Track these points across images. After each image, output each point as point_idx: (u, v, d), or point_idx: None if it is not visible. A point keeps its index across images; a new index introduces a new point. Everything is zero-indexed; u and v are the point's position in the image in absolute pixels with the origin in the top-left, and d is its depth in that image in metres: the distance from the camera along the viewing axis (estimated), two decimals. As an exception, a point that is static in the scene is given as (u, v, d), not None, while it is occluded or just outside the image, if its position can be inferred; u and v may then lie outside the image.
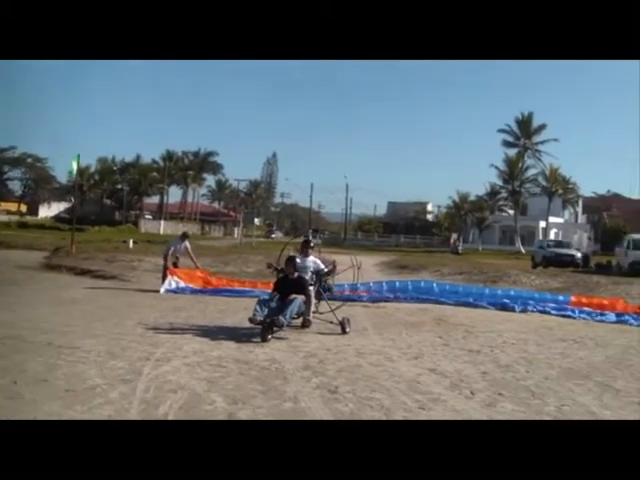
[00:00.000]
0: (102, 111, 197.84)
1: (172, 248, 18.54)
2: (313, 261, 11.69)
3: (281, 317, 9.95)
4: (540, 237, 65.08)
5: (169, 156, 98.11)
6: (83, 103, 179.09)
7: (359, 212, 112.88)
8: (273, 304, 10.31)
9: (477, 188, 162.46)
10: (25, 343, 9.04)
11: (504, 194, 78.61)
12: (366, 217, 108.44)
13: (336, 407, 6.30)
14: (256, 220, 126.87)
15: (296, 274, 10.95)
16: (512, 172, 73.93)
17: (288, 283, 10.85)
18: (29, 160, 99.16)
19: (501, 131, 75.86)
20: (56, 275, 22.00)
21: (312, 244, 12.43)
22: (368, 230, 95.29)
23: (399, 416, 5.99)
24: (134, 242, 35.04)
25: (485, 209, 78.84)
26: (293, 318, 10.52)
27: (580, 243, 67.94)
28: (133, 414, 5.70)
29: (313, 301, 11.01)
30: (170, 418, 5.61)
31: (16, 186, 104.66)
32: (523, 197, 76.96)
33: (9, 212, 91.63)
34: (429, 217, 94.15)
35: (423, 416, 6.07)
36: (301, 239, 15.16)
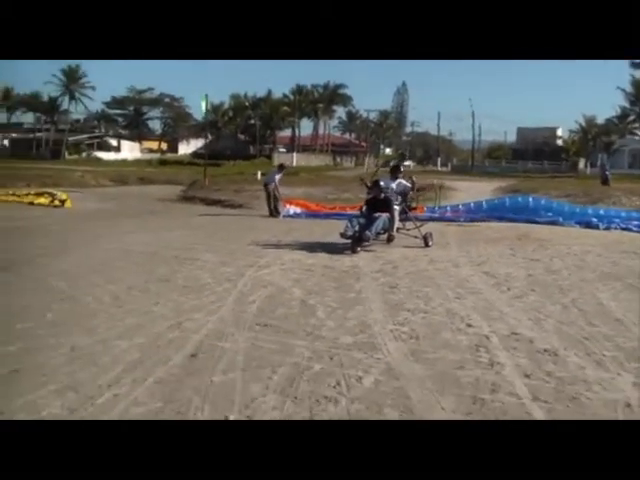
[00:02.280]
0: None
1: (275, 178, 20.61)
2: (398, 183, 13.17)
3: (367, 232, 11.62)
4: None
5: (299, 90, 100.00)
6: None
7: (490, 139, 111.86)
8: (362, 221, 11.96)
9: (606, 111, 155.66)
10: (157, 256, 11.15)
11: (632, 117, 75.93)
12: (495, 144, 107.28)
13: (389, 297, 7.97)
14: (387, 149, 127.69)
15: (382, 195, 12.51)
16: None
17: (375, 203, 12.46)
18: (167, 100, 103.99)
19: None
20: (190, 205, 24.48)
21: (402, 169, 13.91)
22: (496, 157, 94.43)
23: (435, 304, 7.60)
24: (262, 174, 37.28)
25: (614, 132, 76.48)
26: (379, 233, 12.12)
27: None
28: (230, 301, 7.59)
29: (397, 218, 12.52)
30: (256, 305, 7.47)
31: (156, 125, 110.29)
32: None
33: (151, 150, 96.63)
34: (559, 142, 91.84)
35: (454, 303, 7.65)
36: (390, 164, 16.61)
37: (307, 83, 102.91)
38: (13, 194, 23.34)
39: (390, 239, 12.41)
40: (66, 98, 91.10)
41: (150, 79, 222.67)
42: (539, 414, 4.39)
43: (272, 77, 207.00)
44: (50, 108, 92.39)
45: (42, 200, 21.97)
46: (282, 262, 10.43)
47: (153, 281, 8.85)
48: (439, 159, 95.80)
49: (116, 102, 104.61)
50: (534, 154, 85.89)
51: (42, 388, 4.75)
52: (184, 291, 8.20)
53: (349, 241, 11.84)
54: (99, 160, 76.90)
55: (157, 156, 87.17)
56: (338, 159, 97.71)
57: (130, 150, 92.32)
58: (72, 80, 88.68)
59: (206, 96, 31.76)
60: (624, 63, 72.78)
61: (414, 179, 13.90)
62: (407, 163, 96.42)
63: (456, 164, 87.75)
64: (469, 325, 6.67)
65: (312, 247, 12.18)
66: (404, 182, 13.34)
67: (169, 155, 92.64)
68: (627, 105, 75.00)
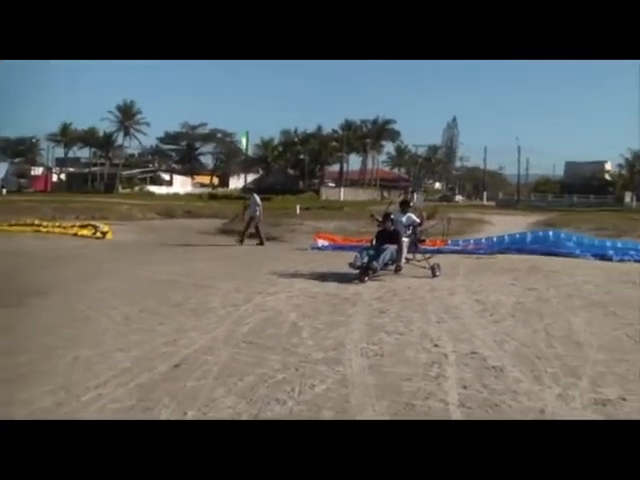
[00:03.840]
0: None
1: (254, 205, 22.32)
2: (408, 217, 13.96)
3: (374, 262, 12.38)
4: None
5: (348, 125, 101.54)
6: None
7: (540, 173, 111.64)
8: (371, 252, 12.73)
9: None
10: (177, 284, 12.03)
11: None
12: (543, 178, 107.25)
13: (374, 320, 8.68)
14: (437, 184, 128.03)
15: (392, 227, 13.28)
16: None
17: (384, 235, 13.25)
18: (219, 135, 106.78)
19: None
20: (227, 238, 25.37)
21: (411, 203, 14.72)
22: (543, 191, 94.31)
23: (415, 327, 8.29)
24: (301, 208, 38.24)
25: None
26: (386, 264, 12.83)
27: None
28: (228, 323, 8.40)
29: (405, 250, 13.24)
30: (249, 326, 8.27)
31: (208, 160, 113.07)
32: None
33: (202, 185, 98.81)
34: (607, 176, 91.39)
35: (433, 326, 8.34)
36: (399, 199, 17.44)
37: (356, 119, 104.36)
38: (59, 225, 24.67)
39: (397, 269, 13.08)
40: (121, 134, 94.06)
41: (203, 115, 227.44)
42: (457, 417, 5.06)
43: (323, 113, 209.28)
44: (105, 143, 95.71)
45: (85, 232, 23.23)
46: (290, 290, 11.19)
47: (165, 305, 9.70)
48: (485, 193, 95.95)
49: (169, 137, 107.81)
50: (582, 188, 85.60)
51: (39, 388, 5.62)
52: (190, 314, 9.03)
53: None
54: (151, 194, 78.97)
55: (208, 190, 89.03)
56: (386, 193, 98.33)
57: (182, 185, 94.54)
58: (127, 116, 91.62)
59: (247, 133, 32.79)
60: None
61: (423, 214, 14.65)
62: (457, 198, 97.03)
63: (502, 198, 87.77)
64: (436, 345, 7.33)
65: (324, 277, 12.90)
66: (413, 216, 14.11)
67: (220, 190, 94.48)
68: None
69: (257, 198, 22.80)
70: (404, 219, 13.93)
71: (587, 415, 5.12)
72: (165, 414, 5.01)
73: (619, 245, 18.33)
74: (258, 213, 22.24)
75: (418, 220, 14.08)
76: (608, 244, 18.54)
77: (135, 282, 12.21)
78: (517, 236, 19.91)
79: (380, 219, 14.01)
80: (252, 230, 22.37)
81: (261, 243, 21.96)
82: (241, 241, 21.93)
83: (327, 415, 5.06)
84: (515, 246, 18.58)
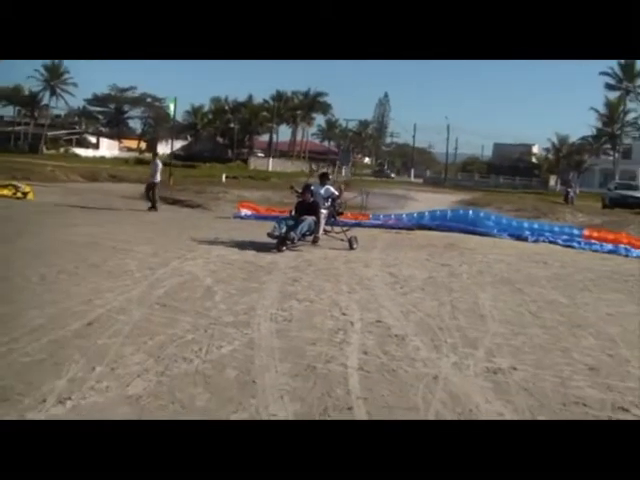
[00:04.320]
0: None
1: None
2: (327, 189, 14.28)
3: (292, 232, 12.65)
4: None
5: (279, 96, 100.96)
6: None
7: (469, 152, 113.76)
8: (289, 222, 12.99)
9: (580, 130, 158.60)
10: (96, 246, 12.07)
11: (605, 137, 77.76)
12: (471, 158, 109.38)
13: (287, 288, 8.97)
14: (367, 159, 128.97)
15: (311, 199, 13.55)
16: (612, 115, 73.28)
17: (304, 206, 13.54)
18: (148, 99, 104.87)
19: (603, 74, 74.53)
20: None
21: (329, 176, 15.03)
22: (470, 170, 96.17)
23: (326, 297, 8.59)
24: (227, 177, 38.23)
25: (586, 152, 78.46)
26: (304, 235, 13.13)
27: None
28: (144, 285, 8.55)
29: (323, 222, 13.56)
30: (165, 289, 8.44)
31: (136, 125, 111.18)
32: (623, 140, 75.79)
33: (130, 149, 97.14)
34: (533, 159, 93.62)
35: (343, 296, 8.67)
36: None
37: (288, 90, 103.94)
38: (-22, 184, 24.13)
39: (315, 241, 13.44)
40: (47, 93, 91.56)
41: (133, 78, 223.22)
42: (354, 379, 5.38)
43: (253, 82, 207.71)
44: (30, 102, 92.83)
45: (5, 192, 22.74)
46: (208, 256, 11.38)
47: (83, 267, 9.76)
48: (412, 170, 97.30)
49: (97, 99, 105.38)
50: (508, 170, 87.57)
51: (-51, 341, 5.71)
52: (107, 276, 9.14)
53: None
54: (77, 156, 77.13)
55: (135, 155, 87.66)
56: (314, 166, 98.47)
57: (109, 148, 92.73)
58: (54, 76, 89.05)
59: (175, 99, 32.54)
60: (599, 84, 74.53)
61: (342, 187, 15.01)
62: (389, 174, 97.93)
63: (430, 176, 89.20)
64: (344, 314, 7.66)
65: (243, 245, 13.10)
66: (332, 188, 14.43)
67: (147, 155, 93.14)
68: (600, 126, 76.71)
69: (159, 163, 22.44)
70: (322, 191, 14.26)
71: (477, 382, 5.50)
72: (74, 369, 5.19)
73: (535, 226, 18.93)
74: (158, 179, 21.90)
75: (337, 192, 14.41)
76: (525, 225, 19.14)
77: (54, 243, 12.17)
78: (437, 213, 20.36)
79: (300, 190, 14.26)
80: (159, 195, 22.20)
81: (154, 208, 21.46)
82: (154, 207, 21.49)
83: (231, 374, 5.32)
84: (435, 222, 19.06)
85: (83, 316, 6.82)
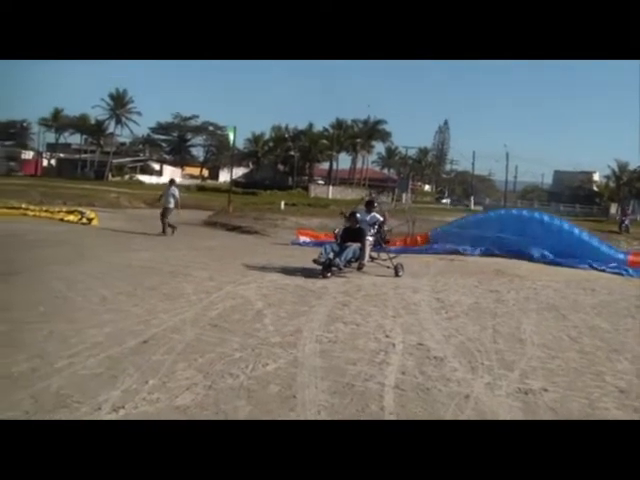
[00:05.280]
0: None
1: (169, 194, 22.27)
2: (372, 216, 14.71)
3: (337, 259, 12.99)
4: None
5: (339, 124, 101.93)
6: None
7: (529, 180, 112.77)
8: (335, 248, 13.33)
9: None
10: (154, 270, 12.61)
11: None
12: (531, 185, 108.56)
13: (335, 312, 9.29)
14: (427, 186, 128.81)
15: (357, 225, 13.90)
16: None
17: (349, 233, 13.92)
18: (210, 128, 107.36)
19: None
20: (210, 230, 26.04)
21: (375, 204, 15.45)
22: (530, 198, 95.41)
23: (372, 320, 8.89)
24: (287, 204, 38.90)
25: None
26: (349, 261, 13.44)
27: None
28: (198, 308, 8.99)
29: (368, 248, 13.90)
30: (218, 311, 8.86)
31: (199, 152, 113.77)
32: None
33: (192, 176, 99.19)
34: (594, 187, 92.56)
35: (388, 320, 8.96)
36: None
37: (348, 118, 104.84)
38: (47, 210, 25.21)
39: (360, 267, 13.73)
40: (112, 122, 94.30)
41: (195, 108, 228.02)
42: (389, 396, 5.67)
43: (314, 110, 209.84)
44: (97, 130, 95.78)
45: (71, 217, 23.78)
46: (261, 281, 11.79)
47: (141, 289, 10.27)
48: (472, 198, 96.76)
49: (161, 127, 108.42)
50: (569, 198, 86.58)
51: (15, 356, 6.18)
52: (163, 298, 9.61)
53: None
54: (141, 183, 79.32)
55: (197, 182, 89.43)
56: (374, 194, 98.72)
57: (172, 175, 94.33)
58: (119, 104, 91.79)
59: (234, 128, 33.41)
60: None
61: (386, 214, 15.39)
62: (444, 201, 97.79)
63: (489, 203, 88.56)
64: (387, 336, 7.95)
65: (295, 270, 13.50)
66: (377, 215, 14.84)
67: (209, 182, 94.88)
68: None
69: (175, 190, 22.62)
70: (368, 218, 14.65)
71: (507, 402, 5.73)
72: (128, 382, 5.61)
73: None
74: (172, 205, 22.17)
75: (382, 218, 14.76)
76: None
77: (114, 267, 12.76)
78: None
79: (347, 215, 14.65)
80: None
81: (163, 232, 21.70)
82: (163, 232, 21.69)
83: (273, 389, 5.67)
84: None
85: (139, 334, 7.28)
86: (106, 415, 4.80)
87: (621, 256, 18.32)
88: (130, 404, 5.06)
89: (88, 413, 4.80)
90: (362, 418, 5.09)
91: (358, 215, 14.37)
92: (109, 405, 5.00)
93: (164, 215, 21.98)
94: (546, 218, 19.72)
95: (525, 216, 20.18)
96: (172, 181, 23.48)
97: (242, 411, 5.10)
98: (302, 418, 5.00)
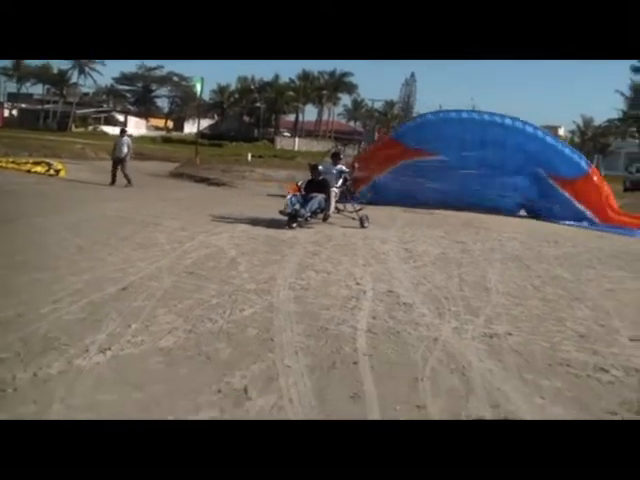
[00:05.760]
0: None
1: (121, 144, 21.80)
2: (339, 168, 15.06)
3: (302, 209, 13.26)
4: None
5: (305, 76, 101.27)
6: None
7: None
8: (300, 200, 13.57)
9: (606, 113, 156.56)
10: (126, 220, 12.77)
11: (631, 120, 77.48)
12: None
13: (306, 260, 9.57)
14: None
15: (320, 177, 14.18)
16: (638, 98, 72.92)
17: (313, 184, 14.25)
18: (175, 78, 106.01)
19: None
20: (177, 182, 26.06)
21: (341, 156, 15.80)
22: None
23: (342, 269, 9.18)
24: (253, 156, 38.90)
25: (611, 135, 78.14)
26: (315, 212, 13.79)
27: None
28: (172, 256, 9.19)
29: (333, 200, 14.24)
30: (192, 259, 9.08)
31: (164, 103, 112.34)
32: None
33: (157, 128, 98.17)
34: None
35: (358, 268, 9.25)
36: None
37: (314, 69, 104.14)
38: (13, 162, 25.00)
39: (326, 218, 14.06)
40: (76, 72, 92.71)
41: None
42: (362, 339, 5.96)
43: (280, 62, 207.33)
44: (59, 80, 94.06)
45: (38, 169, 23.61)
46: (233, 231, 12.01)
47: (115, 239, 10.42)
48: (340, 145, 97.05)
49: (125, 78, 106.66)
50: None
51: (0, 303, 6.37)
52: (137, 247, 9.80)
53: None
54: (105, 134, 78.29)
55: (162, 134, 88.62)
56: (340, 146, 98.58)
57: (136, 126, 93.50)
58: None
59: (201, 79, 33.19)
60: (625, 66, 74.06)
61: (355, 165, 15.69)
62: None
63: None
64: (358, 284, 8.23)
65: (266, 221, 13.70)
66: (343, 167, 15.14)
67: (174, 134, 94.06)
68: (625, 109, 76.40)
69: (128, 140, 22.13)
70: (335, 170, 14.97)
71: (473, 344, 6.05)
72: (112, 326, 5.83)
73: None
74: (125, 155, 21.57)
75: (348, 170, 15.02)
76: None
77: (87, 217, 12.91)
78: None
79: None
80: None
81: (113, 183, 21.37)
82: (112, 182, 21.35)
83: (252, 333, 5.93)
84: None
85: (117, 282, 7.47)
86: (95, 356, 5.04)
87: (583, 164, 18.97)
88: (116, 346, 5.28)
89: (77, 355, 5.02)
90: (348, 400, 5.37)
91: (321, 167, 14.61)
92: (96, 347, 5.22)
93: (115, 166, 21.54)
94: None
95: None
96: (123, 131, 22.93)
97: (223, 353, 5.35)
98: (280, 358, 5.27)
